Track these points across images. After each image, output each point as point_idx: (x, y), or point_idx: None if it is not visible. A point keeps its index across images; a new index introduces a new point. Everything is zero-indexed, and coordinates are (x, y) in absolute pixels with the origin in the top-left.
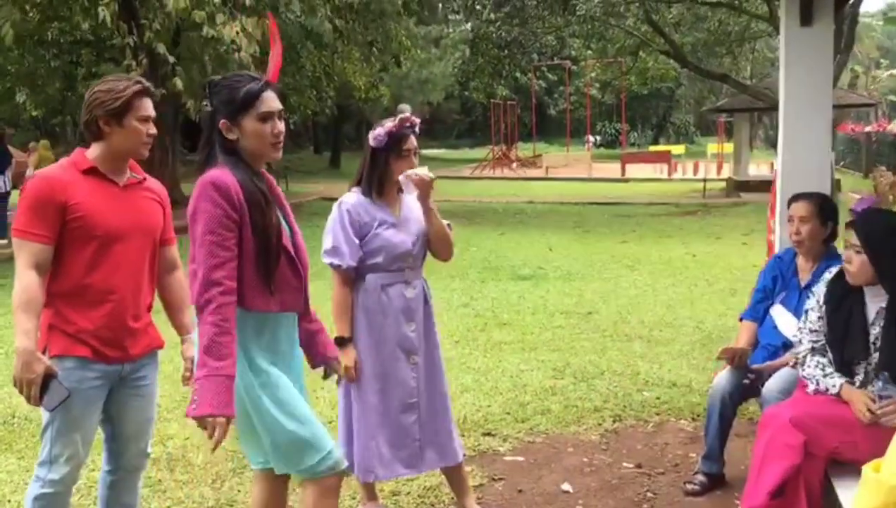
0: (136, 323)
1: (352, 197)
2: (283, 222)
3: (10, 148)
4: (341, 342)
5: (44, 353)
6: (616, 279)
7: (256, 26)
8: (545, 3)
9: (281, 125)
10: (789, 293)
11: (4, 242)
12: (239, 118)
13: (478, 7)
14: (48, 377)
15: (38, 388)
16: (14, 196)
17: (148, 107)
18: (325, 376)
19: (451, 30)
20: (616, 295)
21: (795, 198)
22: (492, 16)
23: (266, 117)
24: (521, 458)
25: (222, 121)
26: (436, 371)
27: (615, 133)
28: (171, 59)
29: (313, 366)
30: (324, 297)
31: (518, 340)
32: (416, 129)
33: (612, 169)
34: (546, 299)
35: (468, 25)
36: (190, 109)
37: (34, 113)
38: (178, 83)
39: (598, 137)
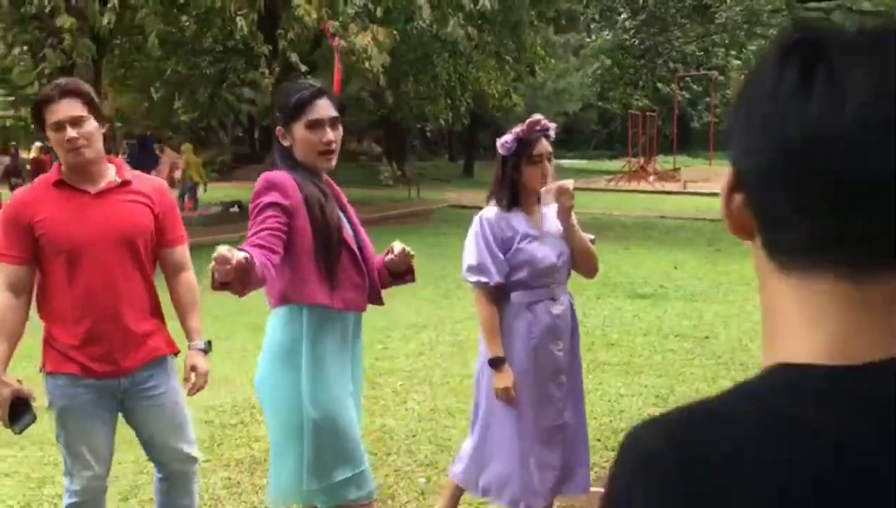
0: (128, 334)
1: (491, 210)
2: (345, 221)
3: (169, 149)
4: (496, 362)
5: (42, 370)
6: (741, 303)
7: (388, 35)
8: (683, 10)
9: (332, 134)
10: None
11: None
12: (291, 125)
13: (615, 16)
14: (19, 398)
15: (6, 411)
16: None
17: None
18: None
19: (592, 38)
20: (739, 320)
21: None
22: (627, 24)
23: (314, 125)
24: (602, 490)
25: (279, 127)
26: (579, 393)
27: None
28: (304, 67)
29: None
30: (455, 309)
31: (623, 362)
32: (551, 133)
33: None
34: (662, 320)
35: (607, 34)
36: None
37: (183, 117)
38: None
39: None
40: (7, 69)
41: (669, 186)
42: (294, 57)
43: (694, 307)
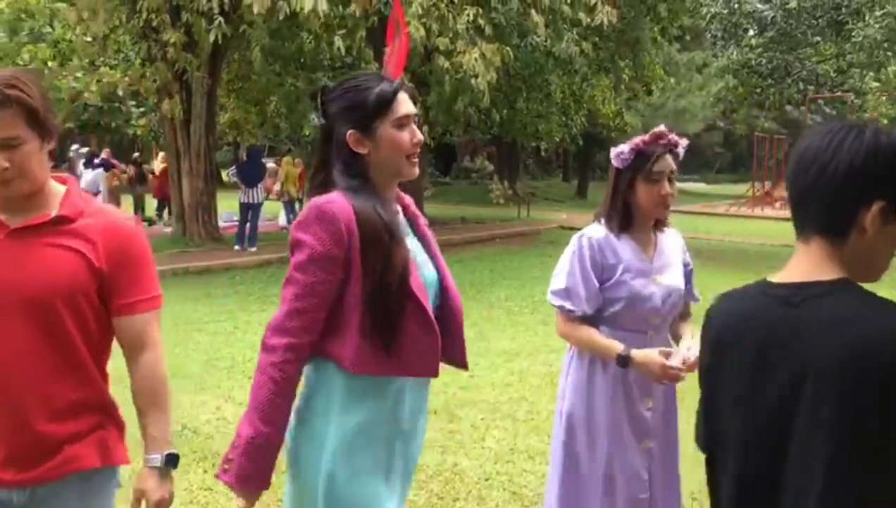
0: (31, 436)
1: (596, 231)
2: (429, 261)
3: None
4: (624, 360)
5: None
6: None
7: (496, 52)
8: (816, 27)
9: (419, 134)
10: None
11: (255, 249)
12: (373, 126)
13: (740, 32)
14: None
15: None
16: (267, 207)
17: None
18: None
19: (718, 56)
20: None
21: None
22: (753, 41)
23: (404, 123)
24: None
25: (350, 132)
26: (673, 463)
27: None
28: (410, 84)
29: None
30: (552, 337)
31: None
32: (680, 149)
33: None
34: None
35: (732, 52)
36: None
37: (306, 131)
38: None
39: None
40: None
41: None
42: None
43: None
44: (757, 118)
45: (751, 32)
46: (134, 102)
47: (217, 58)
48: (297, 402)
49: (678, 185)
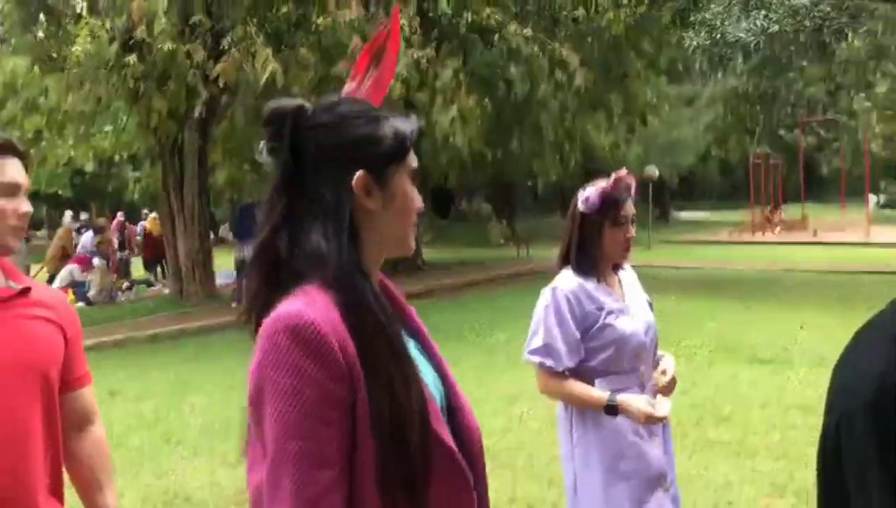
0: None
1: (567, 280)
2: (432, 373)
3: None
4: (611, 409)
5: None
6: None
7: (475, 106)
8: (800, 50)
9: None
10: None
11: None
12: (388, 173)
13: (725, 61)
14: None
15: None
16: None
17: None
18: None
19: (708, 87)
20: None
21: None
22: (739, 69)
23: (415, 177)
24: None
25: (359, 175)
26: (678, 497)
27: None
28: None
29: None
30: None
31: (737, 440)
32: (632, 193)
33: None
34: (783, 390)
35: (719, 82)
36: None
37: None
38: None
39: (882, 197)
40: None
41: (798, 237)
42: None
43: (821, 375)
44: (750, 144)
45: (737, 61)
46: (131, 167)
47: (208, 119)
48: None
49: (682, 215)
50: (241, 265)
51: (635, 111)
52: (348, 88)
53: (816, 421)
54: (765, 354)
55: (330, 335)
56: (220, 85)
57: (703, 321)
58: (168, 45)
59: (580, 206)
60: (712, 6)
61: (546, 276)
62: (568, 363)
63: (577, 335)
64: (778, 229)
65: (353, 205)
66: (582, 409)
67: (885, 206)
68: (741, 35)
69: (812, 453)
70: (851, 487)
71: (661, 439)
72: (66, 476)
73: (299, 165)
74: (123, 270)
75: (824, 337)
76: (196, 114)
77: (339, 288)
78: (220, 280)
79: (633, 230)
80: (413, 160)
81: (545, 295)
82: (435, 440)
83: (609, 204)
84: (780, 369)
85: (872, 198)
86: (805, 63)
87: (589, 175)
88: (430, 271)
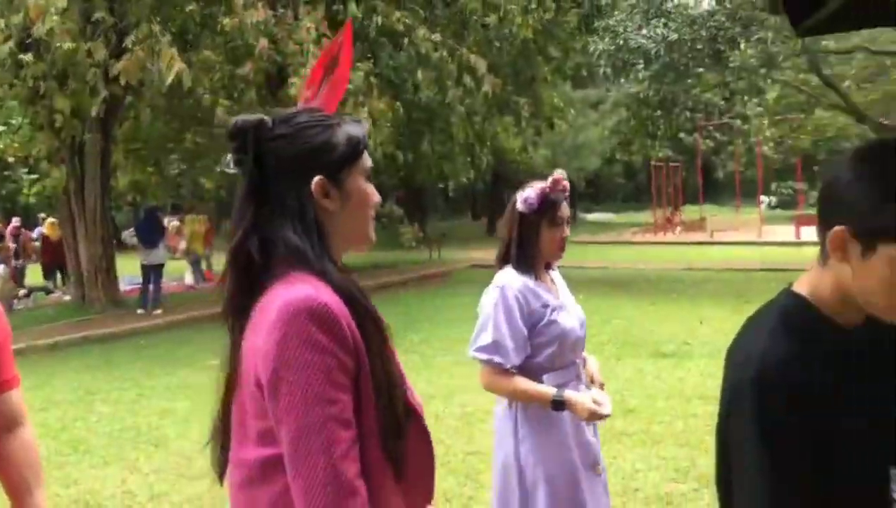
0: None
1: (512, 278)
2: None
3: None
4: (559, 404)
5: None
6: None
7: (386, 109)
8: (697, 58)
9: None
10: None
11: (159, 311)
12: (341, 176)
13: (628, 67)
14: None
15: None
16: (172, 266)
17: None
18: None
19: (612, 92)
20: None
21: None
22: (641, 75)
23: (370, 176)
24: None
25: (318, 179)
26: (606, 481)
27: (792, 193)
28: None
29: None
30: (469, 378)
31: (642, 430)
32: (567, 195)
33: (786, 231)
34: (685, 382)
35: (624, 86)
36: None
37: (209, 187)
38: None
39: (773, 198)
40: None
41: (696, 237)
42: None
43: (719, 366)
44: (651, 148)
45: (638, 67)
46: (25, 169)
47: (109, 119)
48: None
49: (589, 216)
50: (146, 271)
51: (543, 115)
52: (304, 96)
53: (715, 410)
54: (667, 348)
55: (339, 315)
56: (123, 84)
57: (610, 318)
58: (68, 44)
59: (520, 206)
60: (616, 13)
61: (457, 277)
62: (515, 360)
63: (525, 332)
64: (678, 229)
65: (315, 207)
66: (526, 405)
67: (775, 207)
68: (643, 42)
69: (712, 440)
70: (734, 443)
71: (594, 426)
72: None
73: (263, 175)
74: (19, 277)
75: (721, 331)
76: (94, 113)
77: (326, 278)
78: (123, 286)
79: (567, 230)
80: (367, 160)
81: (493, 293)
82: (411, 406)
83: (547, 204)
84: (682, 362)
85: (764, 199)
86: (702, 70)
87: (499, 178)
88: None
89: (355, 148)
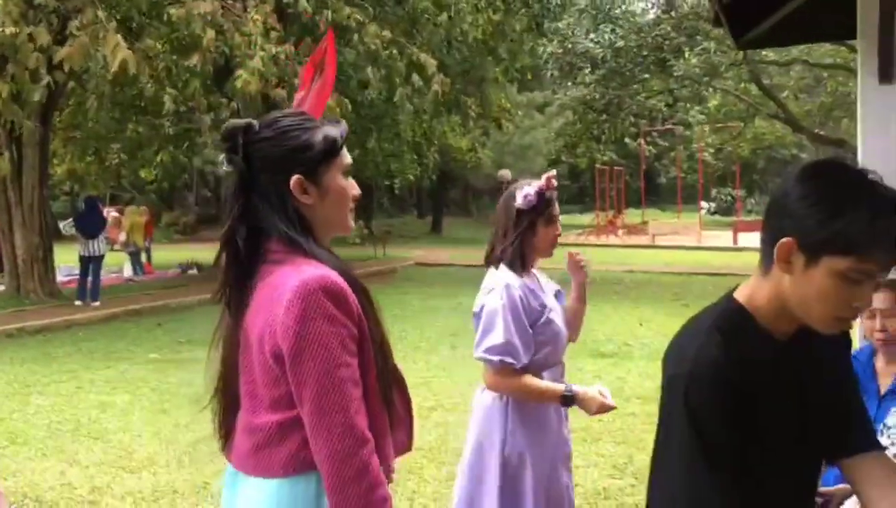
0: None
1: (513, 278)
2: None
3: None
4: (568, 399)
5: None
6: None
7: (335, 105)
8: (642, 65)
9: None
10: (867, 402)
11: (98, 304)
12: (318, 173)
13: (575, 71)
14: None
15: None
16: (111, 258)
17: None
18: None
19: (558, 95)
20: None
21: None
22: (587, 79)
23: (348, 172)
24: None
25: (296, 177)
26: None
27: (731, 200)
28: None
29: None
30: (410, 374)
31: (582, 428)
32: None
33: (724, 237)
34: (624, 381)
35: (569, 90)
36: None
37: (147, 178)
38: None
39: (713, 204)
40: None
41: (638, 240)
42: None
43: (658, 366)
44: (596, 151)
45: (585, 71)
46: None
47: (49, 106)
48: None
49: None
50: (85, 261)
51: (490, 115)
52: (298, 96)
53: (654, 409)
54: (607, 348)
55: (347, 290)
56: (66, 70)
57: None
58: (10, 29)
59: (519, 203)
60: (565, 17)
61: (402, 274)
62: (524, 359)
63: (531, 331)
64: (621, 232)
65: (295, 202)
66: (522, 402)
67: (715, 212)
68: (590, 46)
69: (649, 438)
70: (664, 430)
71: (568, 423)
72: None
73: (251, 172)
74: None
75: (659, 332)
76: (35, 98)
77: (324, 260)
78: (60, 277)
79: (560, 228)
80: (346, 157)
81: (501, 294)
82: (395, 367)
83: (544, 202)
84: (622, 362)
85: (704, 205)
86: (647, 76)
87: (445, 177)
88: None
89: (332, 147)
